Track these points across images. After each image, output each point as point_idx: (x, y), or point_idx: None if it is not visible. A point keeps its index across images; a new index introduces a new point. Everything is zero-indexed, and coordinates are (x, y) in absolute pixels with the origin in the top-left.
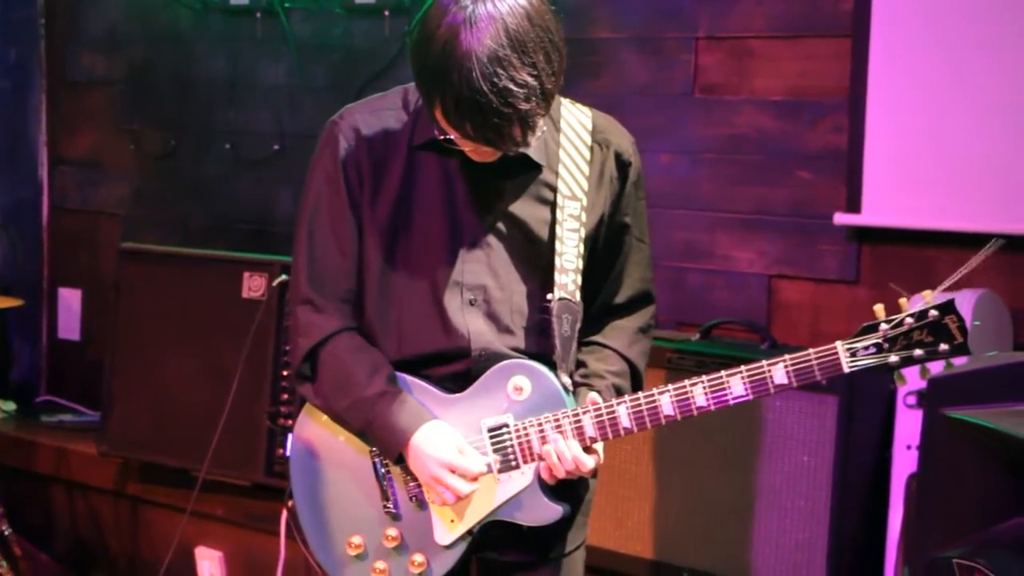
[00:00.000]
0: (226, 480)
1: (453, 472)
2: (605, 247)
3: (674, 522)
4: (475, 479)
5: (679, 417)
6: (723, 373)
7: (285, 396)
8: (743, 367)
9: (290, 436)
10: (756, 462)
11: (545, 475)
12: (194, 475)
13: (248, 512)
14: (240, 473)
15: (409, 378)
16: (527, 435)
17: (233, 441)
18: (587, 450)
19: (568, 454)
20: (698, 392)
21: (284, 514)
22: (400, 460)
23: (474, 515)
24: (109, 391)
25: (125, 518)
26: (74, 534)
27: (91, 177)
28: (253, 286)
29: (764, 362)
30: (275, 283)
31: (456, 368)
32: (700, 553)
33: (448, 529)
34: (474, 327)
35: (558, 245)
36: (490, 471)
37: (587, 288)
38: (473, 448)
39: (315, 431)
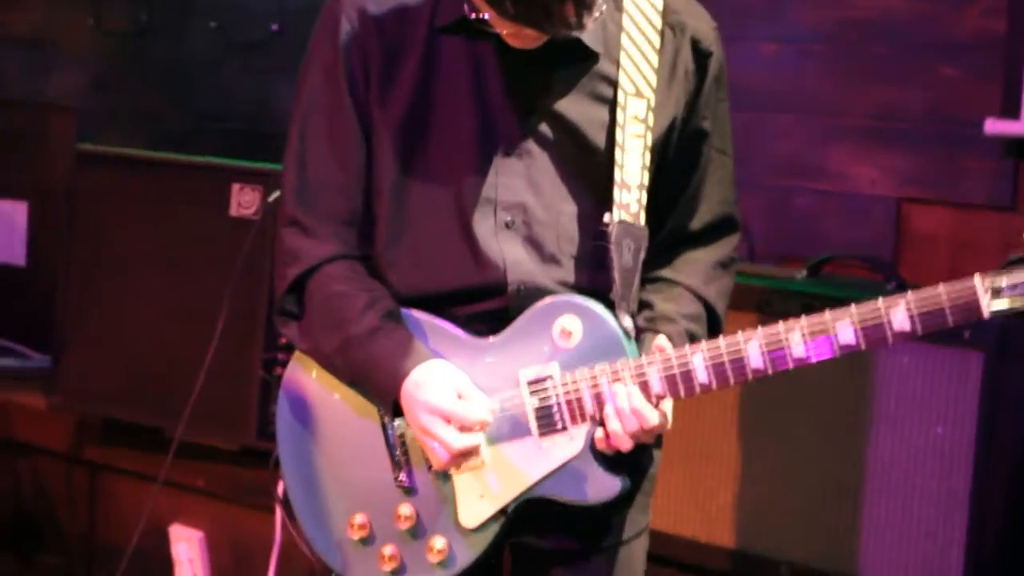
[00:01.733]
0: (208, 444)
1: (448, 421)
2: (677, 159)
3: (767, 505)
4: (474, 429)
5: (770, 371)
6: (827, 313)
7: (283, 340)
8: (853, 307)
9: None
10: (871, 433)
11: (600, 442)
12: (168, 436)
13: (235, 483)
14: (226, 435)
15: (426, 318)
16: (577, 390)
17: (217, 395)
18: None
19: (630, 414)
20: (795, 339)
21: (281, 486)
22: (397, 412)
23: (509, 490)
24: (62, 330)
25: (81, 488)
26: (15, 507)
27: (38, 60)
28: (243, 202)
29: (880, 300)
30: (271, 198)
31: (488, 307)
32: (799, 543)
33: (476, 507)
34: (511, 255)
35: (618, 154)
36: (524, 430)
37: (654, 210)
38: (478, 391)
39: (308, 383)
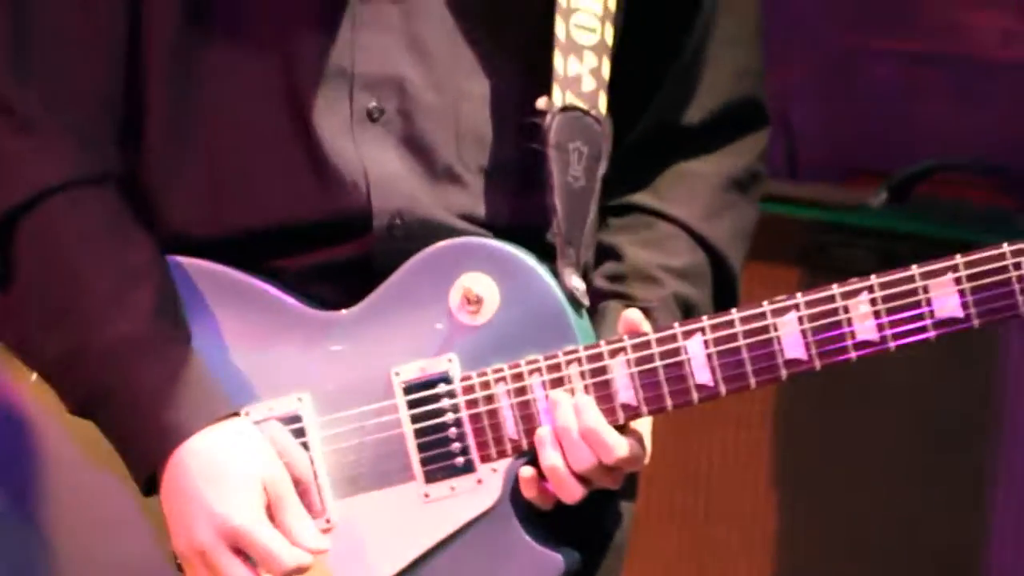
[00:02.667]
0: None
1: (240, 553)
2: (661, 4)
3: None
4: (287, 573)
5: (817, 364)
6: (915, 269)
7: None
8: (959, 258)
9: None
10: (993, 434)
11: (528, 488)
12: None
13: None
14: None
15: (229, 276)
16: (490, 399)
17: None
18: (620, 430)
19: (578, 439)
20: (860, 309)
21: None
22: (150, 490)
23: (377, 570)
24: None
25: None
26: None
27: None
28: None
29: (1005, 247)
30: None
31: (340, 256)
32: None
33: None
34: (379, 168)
35: None
36: (398, 471)
37: (624, 91)
38: (297, 505)
39: (22, 395)
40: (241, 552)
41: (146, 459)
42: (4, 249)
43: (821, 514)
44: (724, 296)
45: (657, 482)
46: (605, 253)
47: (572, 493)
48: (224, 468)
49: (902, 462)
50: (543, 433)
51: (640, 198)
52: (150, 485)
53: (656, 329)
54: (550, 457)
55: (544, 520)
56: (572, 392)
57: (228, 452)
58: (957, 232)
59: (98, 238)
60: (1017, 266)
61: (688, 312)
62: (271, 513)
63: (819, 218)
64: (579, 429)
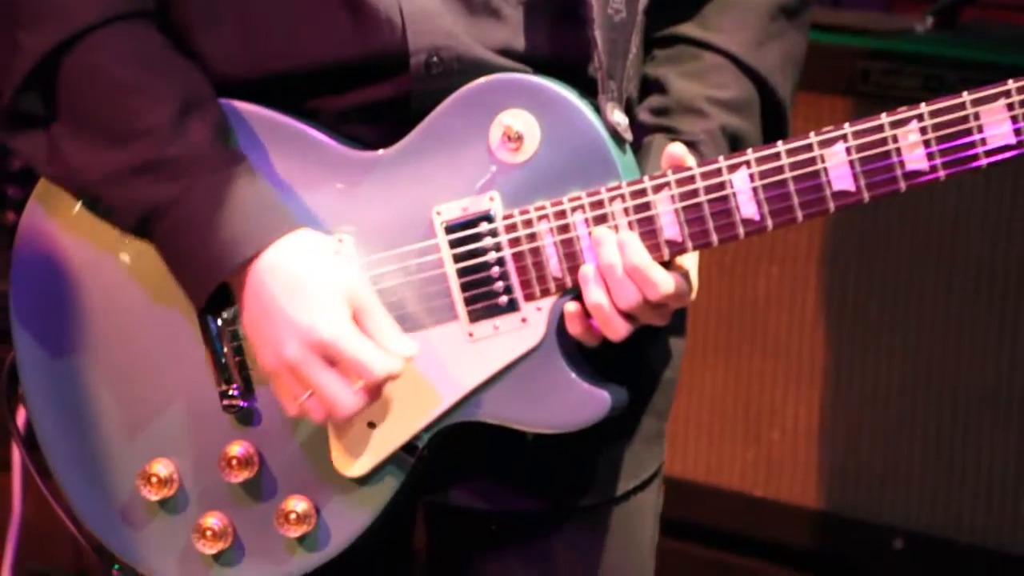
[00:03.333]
0: None
1: (331, 363)
2: None
3: (870, 438)
4: (379, 381)
5: (865, 196)
6: (965, 95)
7: (16, 163)
8: (1011, 83)
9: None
10: None
11: (574, 325)
12: None
13: None
14: None
15: (266, 117)
16: (533, 238)
17: None
18: (664, 267)
19: (623, 276)
20: (909, 139)
21: (21, 414)
22: (214, 308)
23: (418, 412)
24: None
25: None
26: None
27: None
28: None
29: None
30: None
31: (376, 95)
32: (922, 501)
33: (362, 444)
34: (414, 3)
35: None
36: (442, 310)
37: None
38: (383, 314)
39: (63, 239)
40: (332, 362)
41: (214, 270)
42: (47, 86)
43: (867, 348)
44: (774, 128)
45: (703, 317)
46: (650, 86)
47: (617, 330)
48: (306, 280)
49: (948, 298)
50: (587, 271)
51: (686, 29)
52: (216, 301)
53: (701, 162)
54: (594, 294)
55: (591, 358)
56: (616, 229)
57: (307, 264)
58: (1006, 57)
59: (151, 63)
60: None
61: (736, 145)
62: (357, 324)
63: (864, 45)
64: (624, 266)
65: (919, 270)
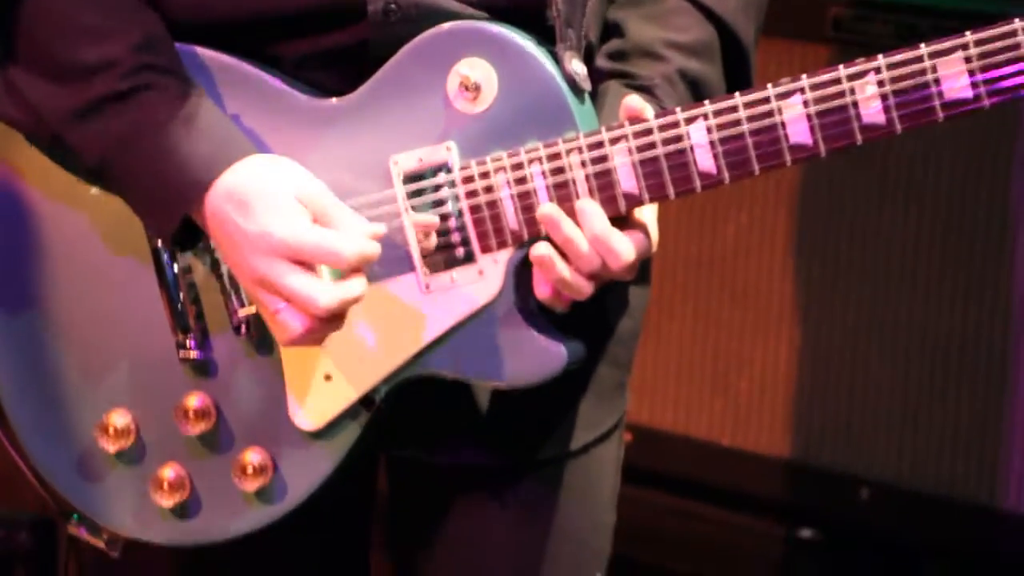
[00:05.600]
0: None
1: (298, 262)
2: None
3: (839, 386)
4: (352, 271)
5: (822, 149)
6: (923, 48)
7: None
8: (968, 35)
9: None
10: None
11: (542, 292)
12: None
13: None
14: None
15: (223, 63)
16: (490, 189)
17: None
18: (622, 221)
19: (579, 235)
20: (866, 91)
21: None
22: (187, 237)
23: (376, 364)
24: None
25: None
26: None
27: None
28: None
29: (1016, 21)
30: None
31: (334, 41)
32: (890, 450)
33: (319, 395)
34: None
35: None
36: (399, 262)
37: None
38: (345, 207)
39: (12, 181)
40: (299, 262)
41: (175, 204)
42: (4, 26)
43: (835, 297)
44: (737, 71)
45: (672, 265)
46: (610, 30)
47: (583, 291)
48: (254, 195)
49: (916, 247)
50: (542, 251)
51: None
52: (185, 235)
53: (659, 114)
54: (558, 271)
55: (549, 312)
56: (573, 183)
57: (256, 181)
58: (980, 5)
59: (111, 1)
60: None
61: (696, 89)
62: (317, 223)
63: None
64: (580, 231)
65: (888, 219)
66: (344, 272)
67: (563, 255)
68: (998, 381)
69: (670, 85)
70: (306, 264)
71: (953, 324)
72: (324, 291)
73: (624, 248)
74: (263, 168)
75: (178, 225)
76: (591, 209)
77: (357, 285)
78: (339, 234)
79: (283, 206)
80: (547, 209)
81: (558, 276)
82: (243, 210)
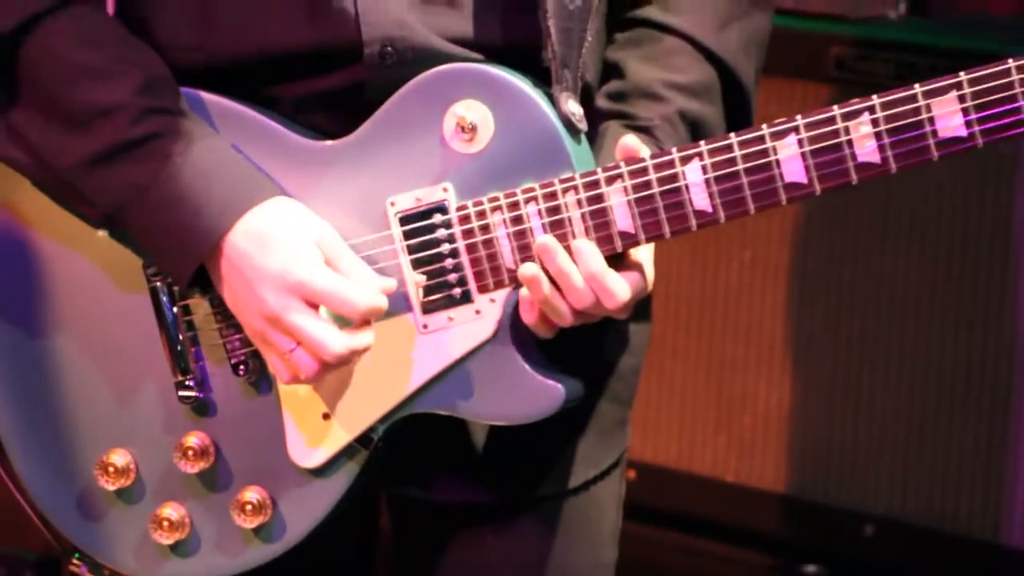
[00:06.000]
0: None
1: (312, 305)
2: None
3: (843, 423)
4: (363, 322)
5: (817, 189)
6: (917, 87)
7: None
8: (963, 75)
9: None
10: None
11: (529, 317)
12: None
13: None
14: None
15: (221, 106)
16: (487, 229)
17: None
18: (617, 260)
19: (575, 270)
20: (861, 130)
21: None
22: (199, 282)
23: (374, 403)
24: None
25: None
26: None
27: None
28: None
29: (1010, 61)
30: None
31: (331, 84)
32: (894, 487)
33: (318, 434)
34: None
35: None
36: (396, 302)
37: None
38: (355, 257)
39: (15, 226)
40: (313, 305)
41: (191, 253)
42: (5, 73)
43: (838, 333)
44: (738, 111)
45: (675, 302)
46: (609, 70)
47: (565, 318)
48: (276, 236)
49: (919, 283)
50: (530, 271)
51: (647, 11)
52: (197, 278)
53: (655, 154)
54: (543, 289)
55: (548, 346)
56: (570, 222)
57: (277, 223)
58: (980, 43)
59: (109, 45)
60: (1023, 82)
61: (696, 130)
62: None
63: (838, 32)
64: (578, 271)
65: (890, 255)
66: (354, 321)
67: (556, 287)
68: (1002, 416)
69: (670, 126)
70: (316, 307)
71: (957, 359)
72: (336, 338)
73: (619, 288)
74: (286, 210)
75: (195, 270)
76: (587, 248)
77: (367, 336)
78: (353, 283)
79: (303, 248)
80: (543, 239)
81: (544, 297)
82: (264, 248)
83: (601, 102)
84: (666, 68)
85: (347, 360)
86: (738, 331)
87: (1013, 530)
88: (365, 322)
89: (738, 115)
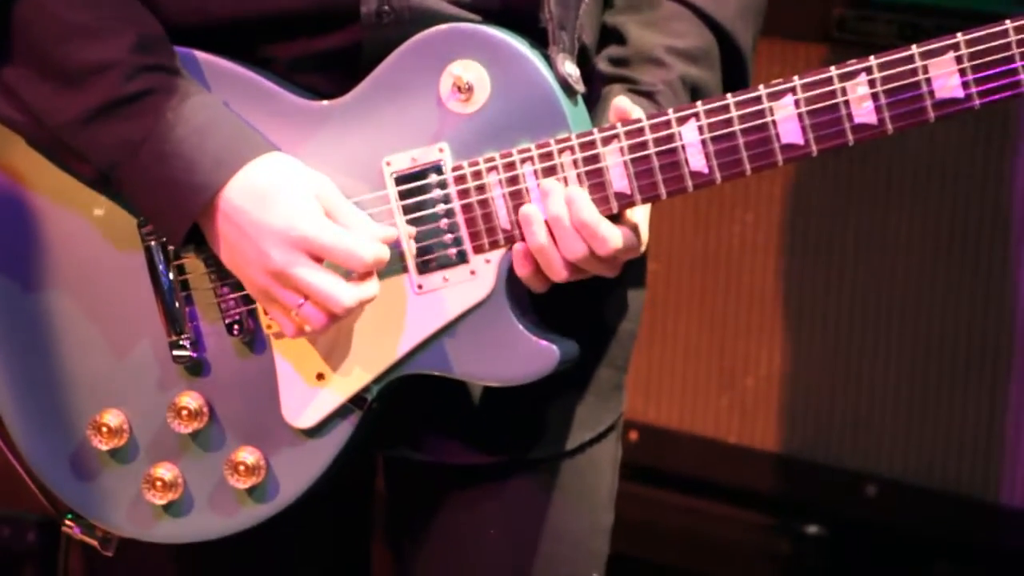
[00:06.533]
0: None
1: (315, 258)
2: None
3: (843, 385)
4: (365, 275)
5: (814, 149)
6: (914, 48)
7: None
8: (959, 36)
9: None
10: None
11: (523, 270)
12: None
13: None
14: None
15: (218, 65)
16: (482, 189)
17: None
18: (613, 219)
19: (572, 229)
20: (857, 91)
21: None
22: (193, 240)
23: (368, 363)
24: None
25: None
26: None
27: None
28: None
29: (1007, 22)
30: None
31: (327, 44)
32: (895, 448)
33: (311, 395)
34: None
35: None
36: (391, 262)
37: None
38: (354, 208)
39: (7, 182)
40: (318, 258)
41: (187, 209)
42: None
43: (840, 294)
44: (736, 77)
45: (678, 264)
46: (608, 35)
47: (559, 272)
48: (275, 190)
49: (922, 244)
50: (530, 211)
51: None
52: (192, 236)
53: (651, 115)
54: (538, 237)
55: (544, 311)
56: (565, 181)
57: (276, 177)
58: (983, 4)
59: (107, 1)
60: (1021, 43)
61: (696, 95)
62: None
63: None
64: (571, 220)
65: (893, 216)
66: (358, 273)
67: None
68: (1002, 377)
69: (672, 91)
70: (320, 261)
71: (958, 320)
72: (346, 291)
73: (611, 235)
74: (282, 164)
75: (189, 227)
76: (579, 197)
77: (373, 286)
78: (356, 235)
79: (304, 202)
80: (547, 182)
81: (539, 245)
82: (264, 203)
83: (603, 66)
84: (667, 33)
85: (354, 311)
86: (740, 293)
87: (1013, 491)
88: (368, 272)
89: (736, 80)
